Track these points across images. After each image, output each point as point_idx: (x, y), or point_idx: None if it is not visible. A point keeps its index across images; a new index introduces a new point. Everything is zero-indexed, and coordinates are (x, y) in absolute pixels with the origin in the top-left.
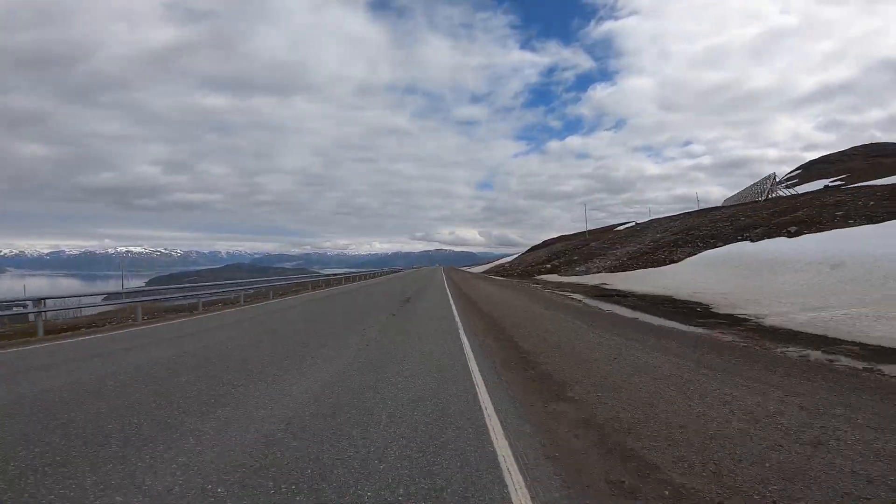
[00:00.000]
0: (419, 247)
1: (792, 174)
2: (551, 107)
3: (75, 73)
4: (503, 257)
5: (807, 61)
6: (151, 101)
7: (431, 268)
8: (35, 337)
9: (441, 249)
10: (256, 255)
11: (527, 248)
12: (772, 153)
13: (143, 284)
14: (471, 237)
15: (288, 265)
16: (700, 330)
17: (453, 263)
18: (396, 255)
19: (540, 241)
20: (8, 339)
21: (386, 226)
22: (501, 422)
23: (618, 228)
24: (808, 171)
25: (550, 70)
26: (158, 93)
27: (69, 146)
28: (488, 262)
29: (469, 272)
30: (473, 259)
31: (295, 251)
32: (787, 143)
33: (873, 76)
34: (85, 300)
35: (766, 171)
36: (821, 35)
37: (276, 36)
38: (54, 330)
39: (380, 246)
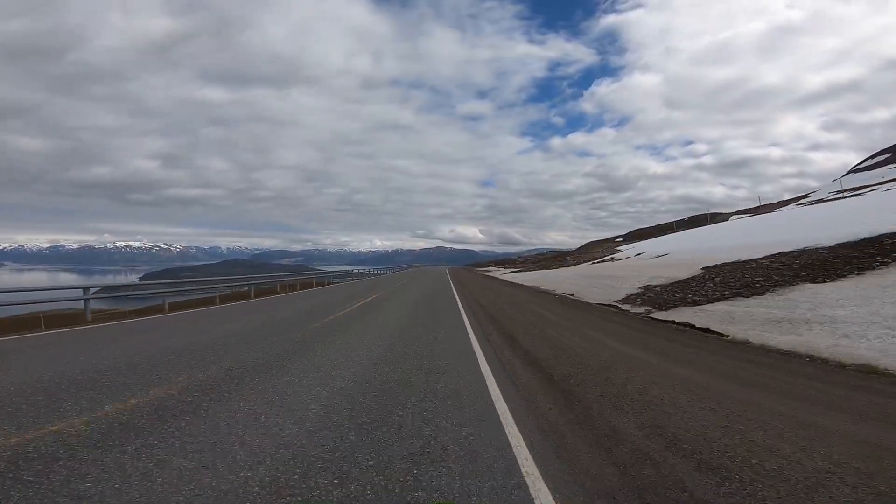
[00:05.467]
0: (420, 244)
1: (877, 157)
2: (554, 102)
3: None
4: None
5: (814, 59)
6: (146, 93)
7: (424, 268)
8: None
9: (442, 247)
10: (256, 251)
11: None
12: (775, 153)
13: (137, 280)
14: (472, 235)
15: (288, 261)
16: None
17: (454, 262)
18: (397, 253)
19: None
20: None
21: (387, 223)
22: None
23: None
24: None
25: (556, 64)
26: (153, 84)
27: (62, 139)
28: (499, 263)
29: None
30: (475, 258)
31: (296, 247)
32: (790, 143)
33: (881, 75)
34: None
35: (770, 171)
36: (829, 32)
37: (276, 26)
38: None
39: (380, 243)
